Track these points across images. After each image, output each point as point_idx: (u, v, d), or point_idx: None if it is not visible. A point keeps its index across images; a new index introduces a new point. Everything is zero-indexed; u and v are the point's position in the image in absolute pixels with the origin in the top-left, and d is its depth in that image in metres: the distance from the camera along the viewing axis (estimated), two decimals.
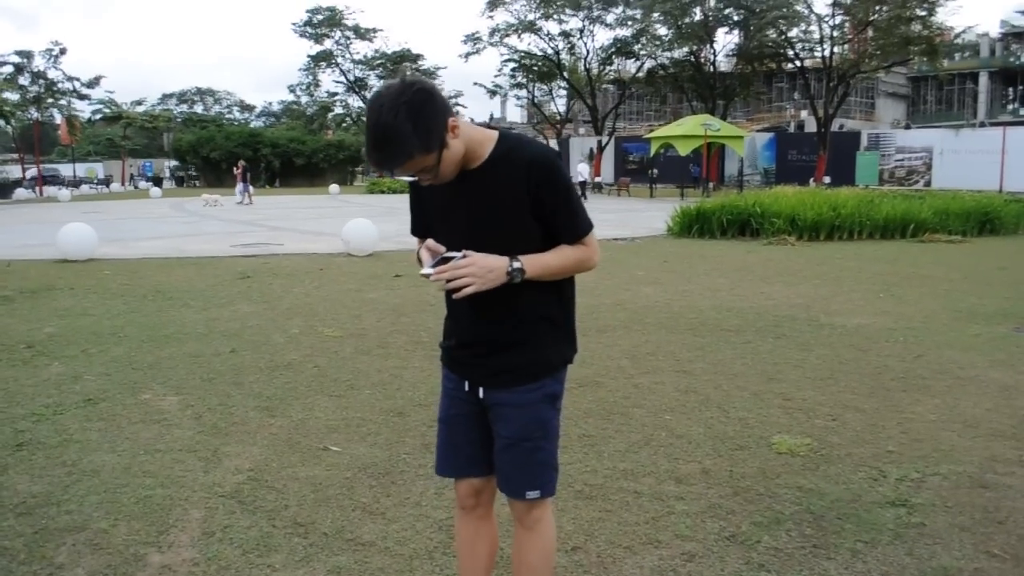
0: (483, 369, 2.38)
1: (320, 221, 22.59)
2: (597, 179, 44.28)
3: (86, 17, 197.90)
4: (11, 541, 3.39)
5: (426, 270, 2.17)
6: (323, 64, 60.99)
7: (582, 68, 50.83)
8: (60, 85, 56.58)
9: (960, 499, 3.77)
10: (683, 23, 45.48)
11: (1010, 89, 60.36)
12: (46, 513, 3.66)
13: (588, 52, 49.90)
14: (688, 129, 35.95)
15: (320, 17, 58.13)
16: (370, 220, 14.69)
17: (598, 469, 4.16)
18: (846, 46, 43.14)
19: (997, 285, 10.29)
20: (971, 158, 36.76)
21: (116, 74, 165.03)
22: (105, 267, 12.64)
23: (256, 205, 32.24)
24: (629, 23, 47.96)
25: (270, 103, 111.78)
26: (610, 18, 48.18)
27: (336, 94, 65.04)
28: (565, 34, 49.33)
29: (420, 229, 2.44)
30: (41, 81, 55.39)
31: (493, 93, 56.89)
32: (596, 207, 25.71)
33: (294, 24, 58.53)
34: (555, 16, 48.08)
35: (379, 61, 61.04)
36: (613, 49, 49.62)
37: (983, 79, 58.29)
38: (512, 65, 52.28)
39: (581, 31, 49.01)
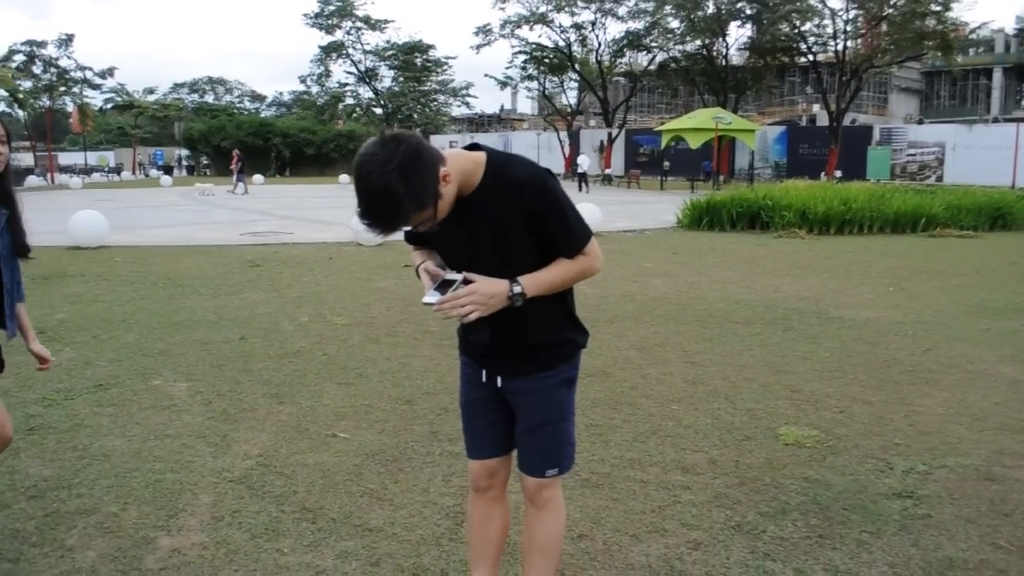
0: (500, 362, 2.43)
1: (330, 210, 22.61)
2: (607, 171, 44.20)
3: (96, 4, 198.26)
4: (23, 524, 3.42)
5: (428, 299, 2.18)
6: (334, 55, 60.92)
7: (593, 60, 50.67)
8: (72, 74, 56.76)
9: (967, 491, 3.76)
10: (696, 16, 45.28)
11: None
12: (57, 496, 3.70)
13: (600, 44, 49.78)
14: (699, 122, 35.86)
15: (331, 8, 58.05)
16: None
17: (605, 458, 4.18)
18: (859, 41, 42.90)
19: (1008, 280, 10.25)
20: (984, 154, 36.53)
21: (128, 63, 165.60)
22: (116, 254, 12.70)
23: (262, 195, 32.27)
24: (641, 16, 47.80)
25: (281, 93, 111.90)
26: (622, 10, 48.05)
27: (347, 84, 65.02)
28: (577, 26, 49.20)
29: (413, 237, 2.42)
30: (53, 70, 55.55)
31: (504, 85, 56.77)
32: (606, 199, 25.69)
33: (305, 15, 58.52)
34: (567, 8, 47.94)
35: (390, 52, 61.00)
36: (625, 42, 49.43)
37: (997, 75, 57.89)
38: (523, 57, 52.17)
39: (593, 23, 48.87)
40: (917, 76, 61.02)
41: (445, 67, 63.40)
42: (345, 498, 3.71)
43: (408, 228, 2.14)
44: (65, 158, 70.47)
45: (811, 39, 43.42)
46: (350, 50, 60.69)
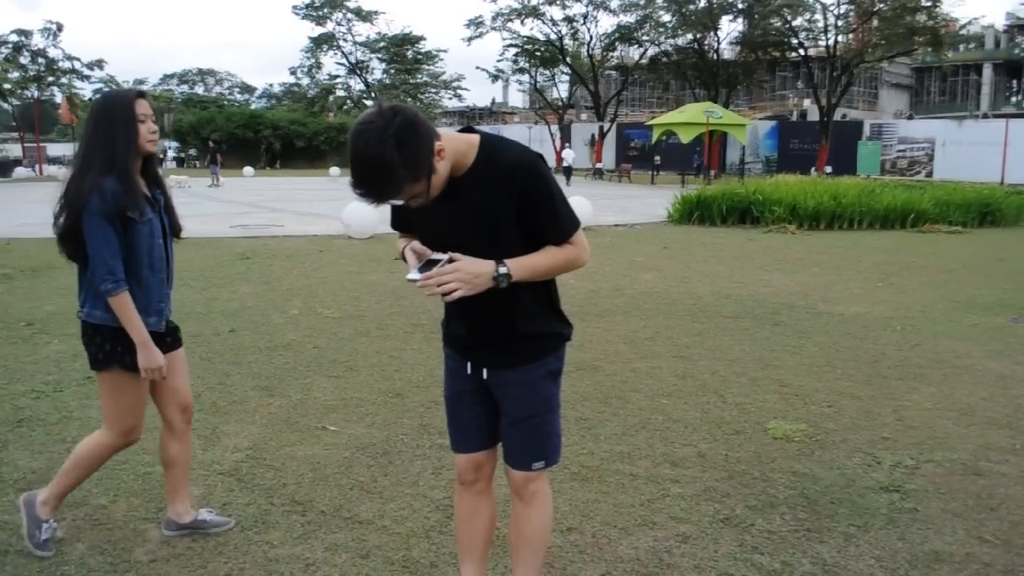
0: (485, 353, 2.42)
1: (320, 203, 22.56)
2: (598, 165, 44.21)
3: None
4: (12, 516, 3.41)
5: (412, 275, 2.16)
6: (324, 46, 60.66)
7: (585, 54, 50.63)
8: (60, 64, 56.35)
9: (953, 486, 3.79)
10: (687, 10, 45.29)
11: (1014, 81, 60.13)
12: None
13: (591, 38, 49.74)
14: (690, 116, 35.84)
15: None
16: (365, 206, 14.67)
17: (595, 452, 4.19)
18: (850, 35, 42.96)
19: (996, 276, 10.31)
20: (973, 150, 36.68)
21: (118, 54, 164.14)
22: None
23: (252, 188, 32.16)
24: (633, 9, 47.76)
25: (271, 85, 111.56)
26: (614, 4, 48.00)
27: (337, 76, 64.78)
28: (568, 19, 49.12)
29: (401, 224, 2.43)
30: (41, 60, 55.13)
31: (495, 78, 56.66)
32: (596, 193, 25.70)
33: (295, 6, 58.00)
34: (558, 1, 47.88)
35: (381, 44, 60.77)
36: (616, 35, 49.40)
37: (987, 71, 58.08)
38: (515, 50, 52.06)
39: (584, 17, 48.82)
40: (907, 72, 61.17)
41: (436, 59, 63.19)
42: (335, 491, 3.71)
43: (400, 203, 2.12)
44: (53, 149, 69.99)
45: (802, 34, 43.49)
46: (341, 42, 60.48)
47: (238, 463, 4.02)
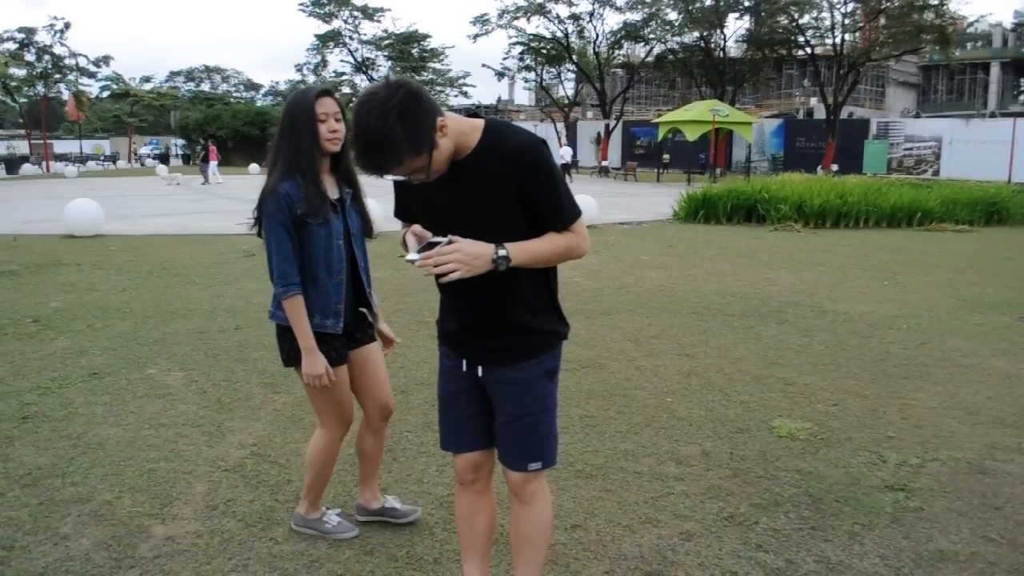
0: (481, 349, 2.39)
1: None
2: (604, 163, 44.16)
3: None
4: (17, 512, 3.43)
5: (411, 256, 2.15)
6: (330, 44, 60.66)
7: (591, 52, 50.53)
8: (66, 61, 56.46)
9: (958, 484, 3.78)
10: (693, 8, 45.16)
11: (1021, 80, 59.92)
12: (51, 485, 3.70)
13: (597, 35, 49.61)
14: (696, 114, 35.77)
15: None
16: (375, 200, 14.68)
17: (599, 449, 4.19)
18: (857, 33, 42.84)
19: (1002, 275, 10.28)
20: (980, 148, 36.54)
21: (124, 51, 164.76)
22: (111, 243, 12.68)
23: (259, 185, 32.05)
24: (639, 7, 47.66)
25: (277, 82, 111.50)
26: (620, 1, 47.88)
27: (343, 74, 64.68)
28: (574, 17, 49.00)
29: (405, 213, 2.42)
30: (47, 57, 55.23)
31: (501, 75, 56.59)
32: (603, 191, 25.67)
33: (302, 4, 57.98)
34: None
35: (387, 41, 60.75)
36: (623, 33, 49.29)
37: (995, 69, 57.86)
38: (521, 48, 52.01)
39: (591, 14, 48.71)
40: (915, 70, 60.97)
41: (442, 57, 63.16)
42: (339, 487, 3.72)
43: (401, 178, 2.11)
44: (60, 146, 70.14)
45: (809, 32, 43.36)
46: (347, 39, 60.46)
47: (243, 459, 4.03)
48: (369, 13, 58.88)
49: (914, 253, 12.47)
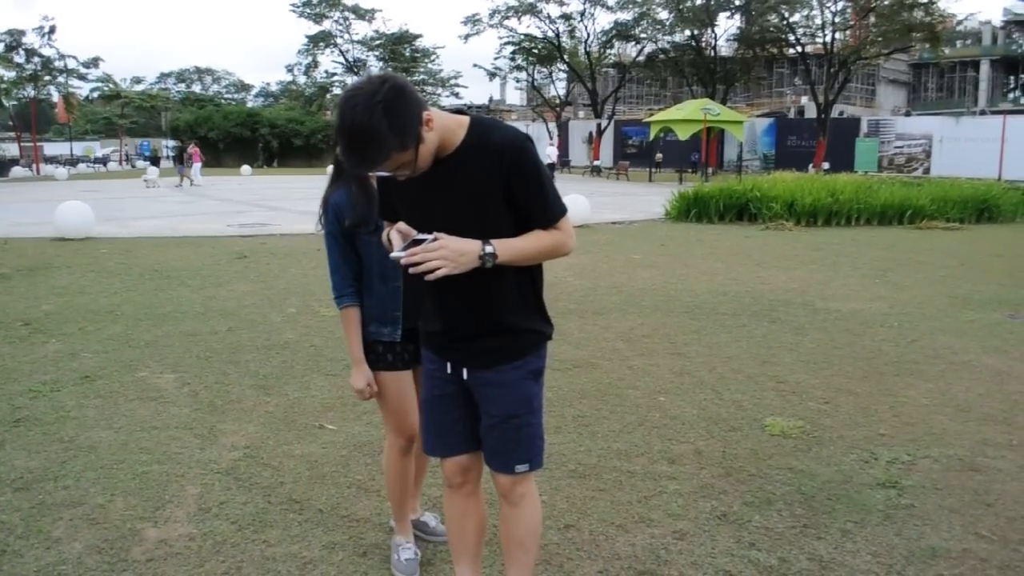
0: (465, 351, 2.37)
1: (318, 202, 22.41)
2: (596, 163, 44.21)
3: None
4: (8, 515, 3.42)
5: (396, 253, 2.12)
6: (322, 45, 60.62)
7: (582, 51, 50.59)
8: (56, 63, 56.23)
9: (950, 482, 3.80)
10: (684, 7, 45.28)
11: (1011, 78, 60.18)
12: (43, 488, 3.69)
13: (588, 35, 49.71)
14: (688, 113, 35.82)
15: None
16: None
17: (592, 449, 4.19)
18: (848, 32, 42.97)
19: (993, 272, 10.32)
20: (971, 146, 36.71)
21: (115, 53, 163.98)
22: (102, 246, 12.64)
23: (249, 186, 32.09)
24: (630, 6, 47.73)
25: (268, 83, 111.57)
26: (611, 1, 47.96)
27: (335, 75, 64.69)
28: (565, 16, 49.09)
29: (389, 211, 2.39)
30: (36, 59, 54.99)
31: (492, 75, 56.65)
32: (594, 190, 25.70)
33: (293, 4, 57.92)
34: None
35: (378, 42, 60.72)
36: (614, 32, 49.38)
37: (984, 67, 58.10)
38: (512, 48, 52.04)
39: (582, 14, 48.79)
40: (905, 68, 61.19)
41: (433, 57, 63.17)
42: (332, 489, 3.71)
43: (387, 174, 2.10)
44: (50, 148, 69.90)
45: (800, 30, 43.48)
46: (338, 40, 60.43)
47: (235, 462, 4.02)
48: (360, 13, 58.84)
49: (905, 251, 12.51)
